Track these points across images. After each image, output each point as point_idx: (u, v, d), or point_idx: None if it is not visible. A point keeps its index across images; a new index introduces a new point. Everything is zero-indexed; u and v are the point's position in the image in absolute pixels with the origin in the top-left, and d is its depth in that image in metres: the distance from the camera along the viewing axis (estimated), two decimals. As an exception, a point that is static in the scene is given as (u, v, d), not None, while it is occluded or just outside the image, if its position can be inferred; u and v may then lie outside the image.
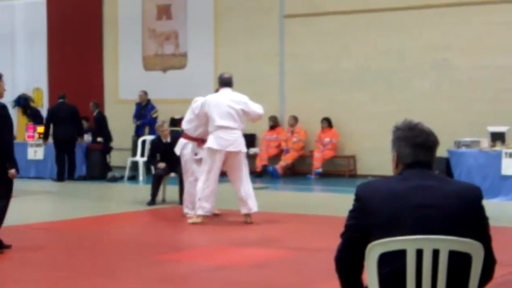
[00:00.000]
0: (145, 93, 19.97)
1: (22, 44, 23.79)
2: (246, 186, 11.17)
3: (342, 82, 18.98)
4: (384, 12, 18.57)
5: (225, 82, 11.44)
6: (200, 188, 11.09)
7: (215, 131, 11.03)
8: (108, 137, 19.24)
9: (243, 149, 11.21)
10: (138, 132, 19.67)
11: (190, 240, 10.39)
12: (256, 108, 11.44)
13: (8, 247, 8.88)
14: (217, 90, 11.63)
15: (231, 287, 7.43)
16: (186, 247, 9.67)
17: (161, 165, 13.62)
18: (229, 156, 11.07)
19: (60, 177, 17.90)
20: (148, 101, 20.00)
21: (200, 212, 11.10)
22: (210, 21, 21.00)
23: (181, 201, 13.45)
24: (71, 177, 17.99)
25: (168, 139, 13.77)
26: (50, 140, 18.29)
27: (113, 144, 19.73)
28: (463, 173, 14.51)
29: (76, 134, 18.38)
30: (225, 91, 11.32)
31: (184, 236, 10.74)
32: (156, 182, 13.61)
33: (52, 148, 18.20)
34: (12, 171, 8.65)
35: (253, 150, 20.26)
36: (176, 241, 10.25)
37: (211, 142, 11.03)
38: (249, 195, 11.14)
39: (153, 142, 14.39)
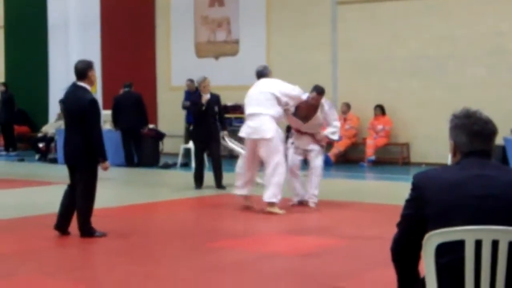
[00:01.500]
0: (192, 81, 19.96)
1: (75, 32, 23.96)
2: (269, 173, 10.98)
3: (394, 69, 18.81)
4: (437, -2, 18.34)
5: (258, 75, 11.63)
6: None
7: (246, 120, 11.29)
8: None
9: (266, 135, 10.83)
10: (189, 119, 19.68)
11: (242, 228, 10.39)
12: (290, 89, 11.26)
13: (103, 235, 9.08)
14: None
15: (283, 275, 7.41)
16: (238, 235, 9.67)
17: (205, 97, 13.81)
18: (257, 144, 11.03)
19: (129, 163, 18.25)
20: (197, 89, 19.88)
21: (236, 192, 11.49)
22: (262, 9, 20.96)
23: (218, 185, 13.60)
24: (140, 163, 18.31)
25: (206, 97, 13.86)
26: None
27: (166, 131, 19.84)
28: (519, 161, 14.32)
29: (141, 122, 18.61)
30: (259, 82, 11.43)
31: (236, 223, 10.74)
32: (200, 159, 13.76)
33: (115, 135, 18.39)
34: (105, 164, 8.95)
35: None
36: (226, 228, 10.26)
37: (241, 130, 11.25)
38: (269, 183, 10.96)
39: (193, 101, 14.45)
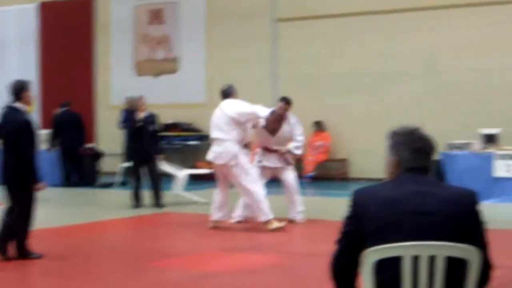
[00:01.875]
0: (129, 99, 19.63)
1: (13, 49, 23.70)
2: (244, 197, 11.18)
3: (334, 85, 18.99)
4: (375, 15, 18.60)
5: (223, 94, 11.51)
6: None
7: (212, 144, 11.28)
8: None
9: (230, 162, 10.87)
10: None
11: (181, 247, 10.35)
12: (245, 108, 11.16)
13: (40, 256, 8.93)
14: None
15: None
16: (177, 253, 9.63)
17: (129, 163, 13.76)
18: (221, 168, 11.02)
19: (68, 183, 18.11)
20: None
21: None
22: (202, 26, 20.98)
23: (157, 203, 13.55)
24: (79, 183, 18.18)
25: (142, 115, 13.82)
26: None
27: (105, 150, 19.68)
28: (455, 176, 14.52)
29: (80, 141, 18.51)
30: (221, 104, 11.33)
31: (176, 242, 10.69)
32: (137, 178, 13.73)
33: (51, 155, 18.18)
34: (38, 186, 8.81)
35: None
36: (167, 247, 10.20)
37: (208, 154, 11.27)
38: (252, 205, 11.08)
39: (127, 120, 14.37)
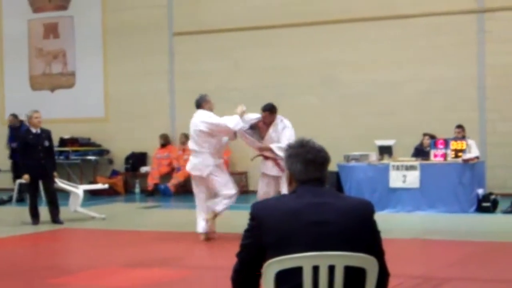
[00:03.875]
0: (15, 116, 19.21)
1: None
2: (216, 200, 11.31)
3: (232, 98, 19.01)
4: (272, 29, 18.79)
5: (195, 104, 11.53)
6: None
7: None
8: None
9: (203, 173, 11.07)
10: (14, 157, 18.12)
11: (83, 262, 10.20)
12: (214, 120, 11.20)
13: None
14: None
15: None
16: (79, 269, 9.48)
17: (26, 177, 13.44)
18: (200, 178, 11.17)
19: None
20: (21, 123, 18.47)
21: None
22: (98, 40, 20.79)
23: (54, 220, 13.34)
24: None
25: (38, 130, 13.59)
26: None
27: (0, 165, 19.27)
28: (353, 187, 14.78)
29: None
30: (195, 114, 11.37)
31: (77, 258, 10.54)
32: (33, 194, 13.51)
33: None
34: None
35: (144, 169, 20.15)
36: (69, 263, 10.06)
37: (187, 164, 11.45)
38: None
39: (20, 136, 14.02)
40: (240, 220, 3.90)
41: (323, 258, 3.51)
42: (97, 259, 10.29)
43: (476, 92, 17.37)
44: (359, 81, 18.06)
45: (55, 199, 13.60)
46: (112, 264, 9.83)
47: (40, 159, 13.53)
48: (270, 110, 11.62)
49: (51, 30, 21.50)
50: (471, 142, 15.09)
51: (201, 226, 11.23)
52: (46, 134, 13.80)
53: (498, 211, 14.15)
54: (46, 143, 13.73)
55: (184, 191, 19.33)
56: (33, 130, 13.65)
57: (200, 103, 11.43)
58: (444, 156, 14.58)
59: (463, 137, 15.23)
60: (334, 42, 18.24)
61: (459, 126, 15.67)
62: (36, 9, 21.73)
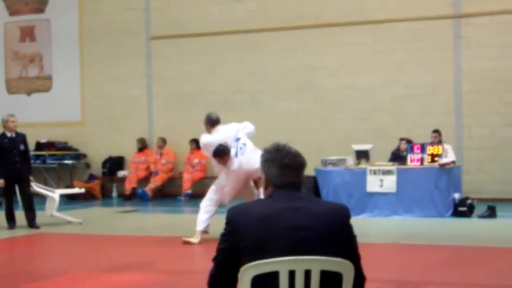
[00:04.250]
0: None
1: None
2: None
3: (210, 103, 19.06)
4: (249, 33, 18.82)
5: (216, 122, 11.50)
6: None
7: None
8: None
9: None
10: None
11: (59, 267, 10.14)
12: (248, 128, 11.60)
13: None
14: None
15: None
16: (55, 274, 9.43)
17: (0, 182, 13.33)
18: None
19: None
20: None
21: None
22: (75, 43, 20.73)
23: (30, 224, 13.27)
24: None
25: (13, 134, 13.50)
26: None
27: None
28: (330, 191, 14.80)
29: None
30: (223, 128, 11.46)
31: (54, 263, 10.48)
32: (9, 198, 13.41)
33: None
34: None
35: (122, 173, 20.09)
36: (45, 268, 9.99)
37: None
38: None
39: None
40: (215, 225, 3.90)
41: (299, 263, 3.52)
42: (73, 264, 10.24)
43: (452, 97, 17.48)
44: (336, 86, 18.12)
45: (31, 203, 13.53)
46: (89, 268, 9.79)
47: (15, 163, 13.44)
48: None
49: (28, 33, 21.40)
50: (447, 146, 15.17)
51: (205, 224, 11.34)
52: (21, 138, 13.72)
53: (474, 216, 14.22)
54: (22, 147, 13.65)
55: (162, 195, 19.32)
56: (8, 134, 13.57)
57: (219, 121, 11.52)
58: (421, 160, 14.65)
59: (439, 142, 15.31)
60: (311, 47, 18.29)
61: (436, 131, 15.76)
62: (12, 12, 21.63)
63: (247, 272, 3.56)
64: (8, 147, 13.43)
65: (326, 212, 3.69)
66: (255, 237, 3.60)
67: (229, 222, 3.72)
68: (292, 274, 3.51)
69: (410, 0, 17.78)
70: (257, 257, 3.56)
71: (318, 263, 3.54)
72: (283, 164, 3.79)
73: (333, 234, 3.65)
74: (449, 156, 14.95)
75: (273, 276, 3.52)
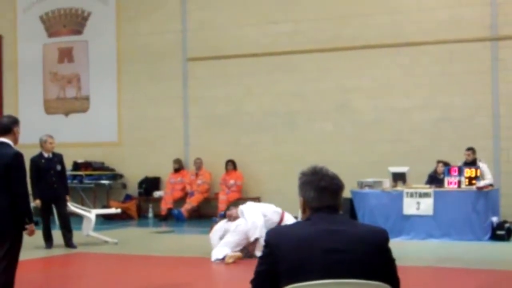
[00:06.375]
0: None
1: None
2: None
3: (245, 124, 19.12)
4: (285, 55, 18.84)
5: None
6: None
7: None
8: None
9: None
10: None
11: (95, 287, 10.19)
12: None
13: None
14: None
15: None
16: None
17: (37, 202, 13.43)
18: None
19: None
20: None
21: None
22: (113, 65, 20.90)
23: (67, 244, 13.35)
24: None
25: (50, 154, 13.61)
26: None
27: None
28: (366, 213, 14.72)
29: None
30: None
31: (90, 282, 10.52)
32: (46, 218, 13.52)
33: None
34: (31, 226, 7.61)
35: (158, 193, 20.16)
36: (80, 288, 10.04)
37: None
38: None
39: (33, 160, 13.57)
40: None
41: (338, 286, 3.50)
42: (109, 284, 10.28)
43: (489, 120, 17.34)
44: (372, 108, 18.06)
45: (68, 223, 13.62)
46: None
47: (52, 184, 13.56)
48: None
49: (66, 55, 21.63)
50: (482, 165, 15.03)
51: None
52: (58, 158, 13.84)
53: (512, 240, 14.08)
54: (58, 167, 13.76)
55: (198, 216, 19.34)
56: (45, 155, 13.70)
57: None
58: (458, 183, 14.53)
59: (474, 160, 15.20)
60: (347, 69, 18.27)
61: (470, 149, 15.61)
62: (51, 33, 21.88)
63: (285, 295, 3.55)
64: (45, 168, 13.55)
65: (364, 235, 3.68)
66: (292, 260, 3.60)
67: (268, 244, 3.72)
68: (329, 297, 3.50)
69: (447, 22, 17.70)
70: (294, 279, 3.55)
71: (355, 286, 3.52)
72: (320, 187, 3.79)
73: (372, 257, 3.63)
74: (487, 178, 14.82)
75: (310, 299, 3.51)
